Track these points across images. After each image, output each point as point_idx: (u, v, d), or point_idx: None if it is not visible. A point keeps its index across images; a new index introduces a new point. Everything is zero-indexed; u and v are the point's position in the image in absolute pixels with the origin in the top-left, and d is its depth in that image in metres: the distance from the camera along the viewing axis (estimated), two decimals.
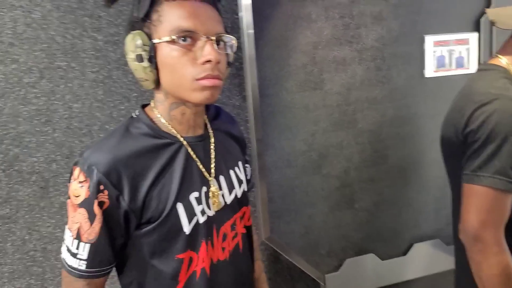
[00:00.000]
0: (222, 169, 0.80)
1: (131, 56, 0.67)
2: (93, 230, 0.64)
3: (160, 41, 0.66)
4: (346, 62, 1.40)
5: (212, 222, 0.73)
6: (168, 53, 0.66)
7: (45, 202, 1.26)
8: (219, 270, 0.75)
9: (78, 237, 0.64)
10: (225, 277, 0.77)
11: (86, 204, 0.63)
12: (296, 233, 1.45)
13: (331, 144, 1.43)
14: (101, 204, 0.63)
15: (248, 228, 0.88)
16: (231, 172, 0.83)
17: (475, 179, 0.86)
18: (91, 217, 0.63)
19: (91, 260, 0.65)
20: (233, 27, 1.33)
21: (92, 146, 0.67)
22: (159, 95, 0.73)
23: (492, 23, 0.96)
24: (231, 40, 0.72)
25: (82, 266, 0.65)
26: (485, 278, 0.85)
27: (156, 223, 0.67)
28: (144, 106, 0.78)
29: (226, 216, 0.79)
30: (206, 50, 0.66)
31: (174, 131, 0.73)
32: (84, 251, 0.64)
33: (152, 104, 0.76)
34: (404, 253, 1.61)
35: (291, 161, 1.40)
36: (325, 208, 1.47)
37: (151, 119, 0.73)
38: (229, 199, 0.80)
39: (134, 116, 0.75)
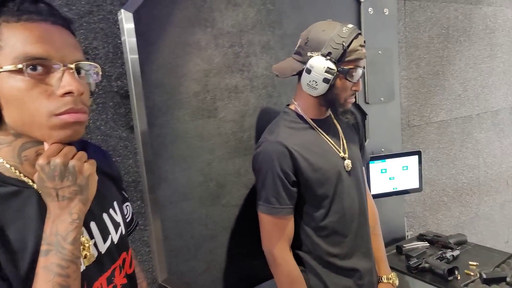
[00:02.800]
0: (93, 214, 0.68)
1: None
2: None
3: (1, 70, 0.53)
4: (239, 89, 1.41)
5: (83, 280, 0.61)
6: (12, 85, 0.54)
7: None
8: None
9: None
10: None
11: None
12: (197, 270, 1.36)
13: (228, 173, 1.40)
14: None
15: (130, 277, 0.77)
16: (105, 215, 0.72)
17: (257, 207, 1.15)
18: None
19: None
20: (115, 51, 1.22)
21: None
22: (2, 136, 0.59)
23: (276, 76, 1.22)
24: (93, 67, 0.63)
25: None
26: (277, 282, 1.16)
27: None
28: None
29: (101, 268, 0.68)
30: (65, 80, 0.56)
31: (22, 176, 0.60)
32: None
33: None
34: None
35: (187, 194, 1.32)
36: (226, 240, 1.42)
37: None
38: (103, 247, 0.69)
39: None
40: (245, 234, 1.46)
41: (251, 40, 1.41)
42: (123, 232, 0.77)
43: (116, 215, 0.76)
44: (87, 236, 0.65)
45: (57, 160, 0.56)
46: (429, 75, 2.21)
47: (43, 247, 0.55)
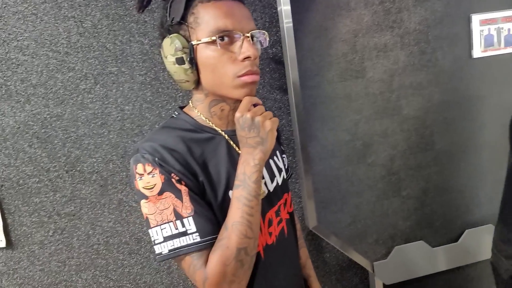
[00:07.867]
0: None
1: (171, 59, 0.71)
2: (186, 204, 0.66)
3: (200, 42, 0.68)
4: (388, 48, 1.37)
5: None
6: (208, 54, 0.69)
7: (105, 199, 1.35)
8: (270, 253, 0.79)
9: (179, 216, 0.66)
10: (276, 259, 0.80)
11: (167, 186, 0.66)
12: (343, 222, 1.46)
13: (375, 133, 1.42)
14: (178, 181, 0.67)
15: (291, 214, 0.91)
16: (271, 161, 0.86)
17: None
18: (178, 194, 0.66)
19: (201, 229, 0.66)
20: (271, 21, 1.34)
21: (140, 143, 0.70)
22: (198, 95, 0.77)
23: None
24: (262, 34, 0.75)
25: (197, 238, 0.65)
26: None
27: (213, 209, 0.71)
28: (181, 108, 0.82)
29: (270, 203, 0.82)
30: (245, 47, 0.69)
31: (214, 126, 0.77)
32: (190, 224, 0.66)
33: (190, 104, 0.80)
34: (456, 239, 1.57)
35: (335, 151, 1.40)
36: (372, 197, 1.46)
37: (191, 117, 0.77)
38: (271, 186, 0.83)
39: (174, 116, 0.79)
40: (390, 194, 1.48)
41: None
42: (285, 176, 0.91)
43: (279, 162, 0.90)
44: None
45: (247, 115, 0.71)
46: None
47: (236, 182, 0.70)
